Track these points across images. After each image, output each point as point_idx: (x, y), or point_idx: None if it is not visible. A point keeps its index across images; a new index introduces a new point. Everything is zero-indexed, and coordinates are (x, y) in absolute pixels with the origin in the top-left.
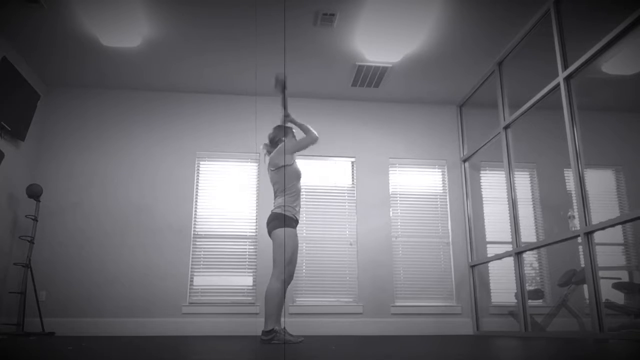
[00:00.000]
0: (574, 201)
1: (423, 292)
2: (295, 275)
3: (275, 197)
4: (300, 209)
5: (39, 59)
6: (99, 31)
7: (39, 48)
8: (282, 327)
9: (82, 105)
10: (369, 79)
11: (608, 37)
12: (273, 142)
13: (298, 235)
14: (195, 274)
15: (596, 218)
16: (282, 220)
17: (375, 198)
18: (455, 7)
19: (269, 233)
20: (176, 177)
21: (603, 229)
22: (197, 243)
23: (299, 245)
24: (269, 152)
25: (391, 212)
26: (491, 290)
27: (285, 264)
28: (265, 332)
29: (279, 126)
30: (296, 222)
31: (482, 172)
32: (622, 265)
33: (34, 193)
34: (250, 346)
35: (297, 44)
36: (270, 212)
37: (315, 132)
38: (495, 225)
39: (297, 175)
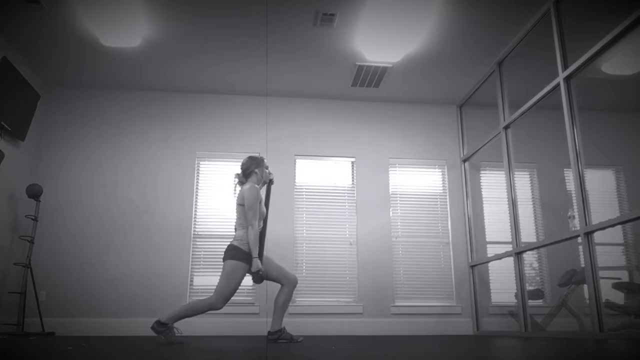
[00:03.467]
0: (574, 201)
1: (423, 292)
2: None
3: (236, 229)
4: (264, 246)
5: (39, 59)
6: (99, 31)
7: (39, 48)
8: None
9: (82, 105)
10: (369, 79)
11: (608, 37)
12: (245, 173)
13: (297, 235)
14: (195, 274)
15: (596, 218)
16: (237, 253)
17: (375, 198)
18: (455, 7)
19: (223, 260)
20: (176, 177)
21: (603, 229)
22: (197, 243)
23: (296, 243)
24: (240, 183)
25: (391, 212)
26: (491, 290)
27: (220, 292)
28: (271, 333)
29: (251, 157)
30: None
31: (482, 172)
32: (622, 265)
33: (34, 193)
34: (250, 346)
35: (297, 44)
36: (229, 243)
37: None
38: (495, 225)
39: (261, 215)
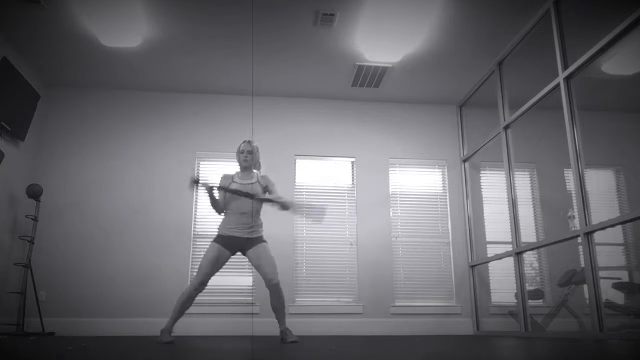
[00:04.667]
0: (574, 201)
1: (423, 292)
2: (295, 275)
3: None
4: (240, 225)
5: (39, 59)
6: (99, 31)
7: (38, 48)
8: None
9: (81, 105)
10: (369, 79)
11: (608, 37)
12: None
13: (297, 235)
14: (195, 274)
15: (596, 218)
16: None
17: (375, 198)
18: (455, 7)
19: None
20: (176, 177)
21: (603, 229)
22: (197, 243)
23: (296, 243)
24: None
25: (391, 212)
26: (491, 290)
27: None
28: (283, 332)
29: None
30: (222, 237)
31: (482, 172)
32: (622, 265)
33: (34, 193)
34: (249, 346)
35: (297, 44)
36: None
37: (286, 202)
38: (495, 225)
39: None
